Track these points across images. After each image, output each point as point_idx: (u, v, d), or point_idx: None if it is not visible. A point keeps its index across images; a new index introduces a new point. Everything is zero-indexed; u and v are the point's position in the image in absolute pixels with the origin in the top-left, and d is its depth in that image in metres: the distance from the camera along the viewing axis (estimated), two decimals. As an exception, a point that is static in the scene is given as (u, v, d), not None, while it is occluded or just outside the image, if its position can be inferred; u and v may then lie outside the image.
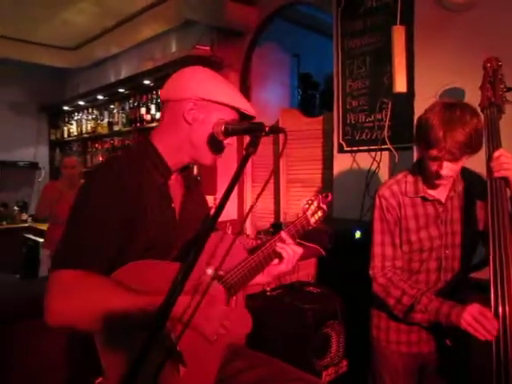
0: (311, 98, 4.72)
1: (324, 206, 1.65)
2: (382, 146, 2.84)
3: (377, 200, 1.77)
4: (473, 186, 1.75)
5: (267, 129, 1.12)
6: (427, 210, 1.73)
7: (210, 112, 1.29)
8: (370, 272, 1.77)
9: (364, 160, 2.96)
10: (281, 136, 1.14)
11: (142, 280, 1.17)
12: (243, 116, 1.35)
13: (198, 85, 1.30)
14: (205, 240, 0.96)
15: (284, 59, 4.71)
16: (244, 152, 1.10)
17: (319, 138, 3.58)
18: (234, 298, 1.38)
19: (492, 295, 1.49)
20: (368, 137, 2.96)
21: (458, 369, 1.64)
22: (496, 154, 1.55)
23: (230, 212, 4.20)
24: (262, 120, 3.70)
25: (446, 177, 1.60)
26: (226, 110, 1.30)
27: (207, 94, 1.29)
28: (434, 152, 1.55)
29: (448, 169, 1.56)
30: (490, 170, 1.57)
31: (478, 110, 1.61)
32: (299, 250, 1.50)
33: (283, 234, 1.50)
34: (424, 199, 1.72)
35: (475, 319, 1.48)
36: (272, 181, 4.02)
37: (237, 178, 1.07)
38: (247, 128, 1.19)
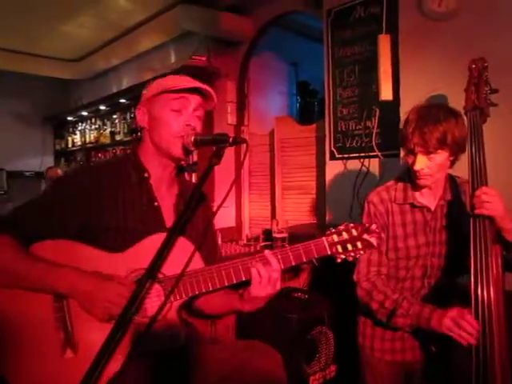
0: (310, 105, 4.75)
1: (367, 237, 1.33)
2: (371, 154, 2.87)
3: (365, 206, 1.79)
4: (461, 195, 1.75)
5: (231, 140, 1.18)
6: (416, 217, 1.73)
7: (152, 108, 1.41)
8: (355, 277, 1.77)
9: (354, 167, 2.98)
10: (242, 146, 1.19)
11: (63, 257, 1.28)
12: (185, 91, 1.37)
13: (144, 94, 1.44)
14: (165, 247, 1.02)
15: (282, 68, 4.76)
16: (209, 162, 1.16)
17: (313, 145, 3.62)
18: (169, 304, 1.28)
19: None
20: (358, 144, 3.00)
21: (442, 375, 1.63)
22: (477, 192, 1.51)
23: (228, 220, 4.25)
24: (259, 129, 3.76)
25: (423, 173, 1.61)
26: (160, 97, 1.38)
27: (145, 95, 1.43)
28: (408, 145, 1.59)
29: (422, 163, 1.58)
30: (471, 204, 1.53)
31: (463, 112, 1.63)
32: (274, 274, 1.28)
33: (267, 252, 1.31)
34: (412, 206, 1.72)
35: (456, 324, 1.48)
36: (268, 188, 4.07)
37: (200, 187, 1.13)
38: (213, 139, 1.26)
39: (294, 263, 1.31)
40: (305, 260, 1.32)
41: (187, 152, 1.37)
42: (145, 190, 1.41)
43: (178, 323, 1.28)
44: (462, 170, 1.70)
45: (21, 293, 1.26)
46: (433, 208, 1.72)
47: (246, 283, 1.31)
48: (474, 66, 1.66)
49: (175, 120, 1.36)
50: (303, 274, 2.79)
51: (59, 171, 4.90)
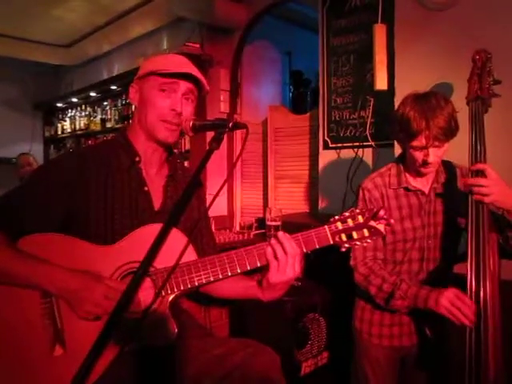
0: (303, 95, 4.74)
1: (374, 224, 1.22)
2: (365, 143, 2.88)
3: (360, 192, 1.82)
4: (455, 178, 1.78)
5: (230, 125, 1.16)
6: (410, 200, 1.77)
7: (142, 87, 1.40)
8: (351, 262, 1.79)
9: (348, 157, 2.99)
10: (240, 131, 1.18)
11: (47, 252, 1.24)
12: (176, 75, 1.35)
13: (139, 71, 1.42)
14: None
15: (275, 57, 4.74)
16: (208, 146, 1.15)
17: (306, 134, 3.62)
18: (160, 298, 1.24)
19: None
20: (352, 134, 3.00)
21: (436, 358, 1.66)
22: (474, 167, 1.52)
23: (220, 208, 4.24)
24: (252, 118, 3.73)
25: (433, 163, 1.64)
26: (150, 78, 1.37)
27: (138, 74, 1.41)
28: (419, 142, 1.59)
29: (434, 155, 1.61)
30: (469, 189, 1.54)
31: (465, 102, 1.64)
32: (292, 250, 1.21)
33: (280, 234, 1.24)
34: (407, 190, 1.76)
35: (452, 303, 1.50)
36: (261, 177, 4.07)
37: (200, 171, 1.12)
38: (212, 124, 1.24)
39: None
40: (305, 251, 1.24)
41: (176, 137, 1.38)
42: (134, 175, 1.38)
43: (170, 318, 1.23)
44: (459, 158, 1.72)
45: (6, 288, 1.21)
46: (427, 191, 1.76)
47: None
48: (477, 56, 1.68)
49: (162, 102, 1.35)
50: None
51: (31, 158, 4.89)
